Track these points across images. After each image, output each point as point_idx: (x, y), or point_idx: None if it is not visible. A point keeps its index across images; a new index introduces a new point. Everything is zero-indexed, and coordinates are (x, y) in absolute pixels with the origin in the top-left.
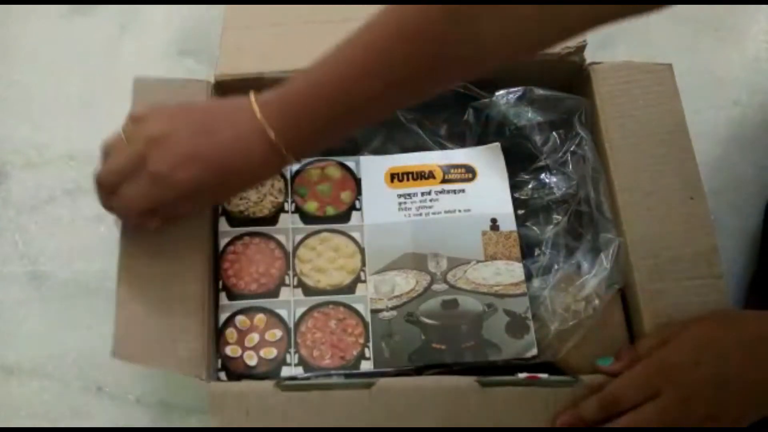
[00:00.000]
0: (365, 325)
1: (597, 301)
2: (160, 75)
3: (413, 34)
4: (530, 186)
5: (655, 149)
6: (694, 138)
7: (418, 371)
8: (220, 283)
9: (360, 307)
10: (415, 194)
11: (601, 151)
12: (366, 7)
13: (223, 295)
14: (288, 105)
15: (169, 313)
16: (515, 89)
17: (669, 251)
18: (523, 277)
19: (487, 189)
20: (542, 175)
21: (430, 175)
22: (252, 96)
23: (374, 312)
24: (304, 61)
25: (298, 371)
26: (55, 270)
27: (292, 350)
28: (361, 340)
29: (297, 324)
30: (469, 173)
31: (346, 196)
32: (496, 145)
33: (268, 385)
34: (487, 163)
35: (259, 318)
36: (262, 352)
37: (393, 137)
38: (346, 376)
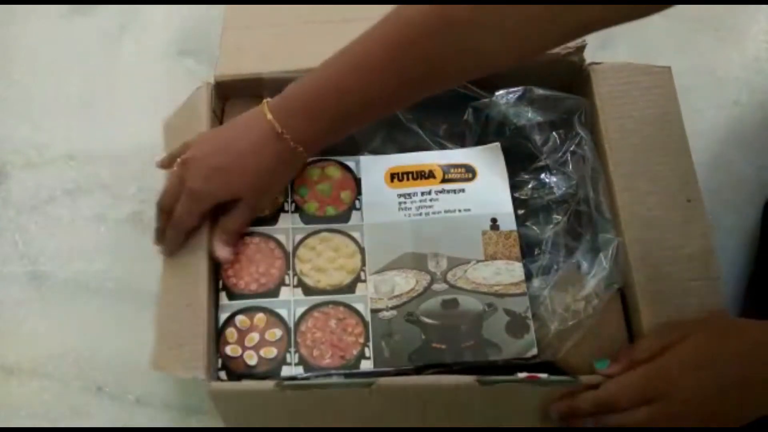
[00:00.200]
0: (365, 324)
1: (596, 301)
2: (160, 75)
3: (435, 30)
4: (530, 186)
5: (654, 150)
6: (693, 137)
7: (418, 371)
8: (220, 282)
9: (360, 307)
10: (415, 194)
11: (601, 151)
12: (366, 7)
13: (223, 295)
14: (297, 99)
15: (177, 318)
16: (515, 89)
17: (667, 252)
18: (523, 277)
19: (487, 189)
20: (542, 175)
21: (430, 175)
22: (265, 101)
23: (374, 312)
24: (303, 61)
25: (298, 371)
26: (55, 270)
27: (292, 350)
28: (361, 340)
29: (297, 323)
30: (469, 173)
31: (346, 195)
32: (496, 144)
33: (268, 384)
34: (487, 162)
35: (259, 318)
36: (262, 352)
37: (393, 137)
38: (346, 375)
